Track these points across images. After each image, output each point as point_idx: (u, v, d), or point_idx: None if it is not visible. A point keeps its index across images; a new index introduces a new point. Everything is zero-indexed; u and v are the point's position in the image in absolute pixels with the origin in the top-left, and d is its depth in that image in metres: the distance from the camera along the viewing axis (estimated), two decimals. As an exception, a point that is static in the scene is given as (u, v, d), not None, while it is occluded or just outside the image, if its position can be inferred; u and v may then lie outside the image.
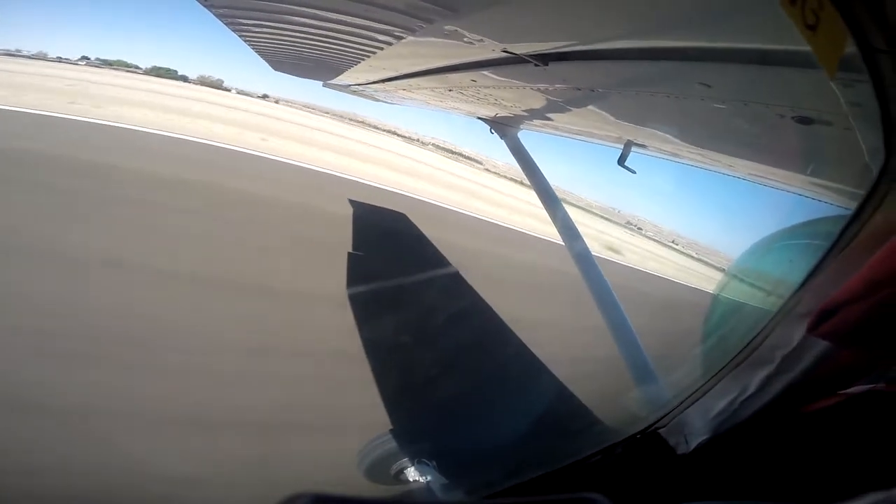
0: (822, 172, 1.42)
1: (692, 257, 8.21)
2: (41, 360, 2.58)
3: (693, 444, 1.48)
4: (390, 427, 2.52)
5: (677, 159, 2.67)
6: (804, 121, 1.16)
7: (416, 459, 2.09)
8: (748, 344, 1.33)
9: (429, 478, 1.98)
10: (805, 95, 1.11)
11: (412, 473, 2.06)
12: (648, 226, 9.22)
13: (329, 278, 4.57)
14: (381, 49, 2.54)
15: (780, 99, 1.16)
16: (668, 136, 2.15)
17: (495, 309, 4.55)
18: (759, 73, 1.08)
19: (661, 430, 1.56)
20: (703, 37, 1.09)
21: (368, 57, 2.92)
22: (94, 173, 5.05)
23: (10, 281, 3.14)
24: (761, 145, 1.63)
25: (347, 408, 2.90)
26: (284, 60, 4.62)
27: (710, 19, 1.02)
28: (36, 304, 3.06)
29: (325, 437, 2.69)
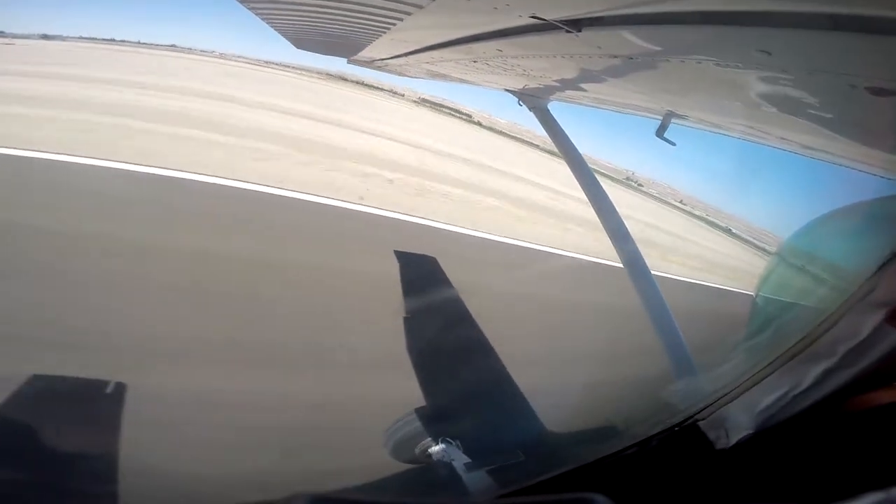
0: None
1: (744, 240, 7.83)
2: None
3: (734, 439, 1.41)
4: (417, 408, 2.54)
5: (722, 131, 2.49)
6: (879, 92, 1.02)
7: (442, 439, 2.11)
8: (806, 335, 1.23)
9: (453, 458, 2.00)
10: (881, 64, 0.97)
11: (437, 453, 2.08)
12: (701, 205, 8.80)
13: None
14: (403, 20, 2.44)
15: (851, 68, 1.02)
16: (714, 107, 1.99)
17: (526, 294, 4.47)
18: (828, 40, 0.95)
19: (700, 423, 1.49)
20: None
21: (389, 29, 2.82)
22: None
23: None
24: (826, 117, 1.48)
25: (375, 389, 2.95)
26: (306, 37, 4.55)
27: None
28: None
29: (352, 417, 2.75)
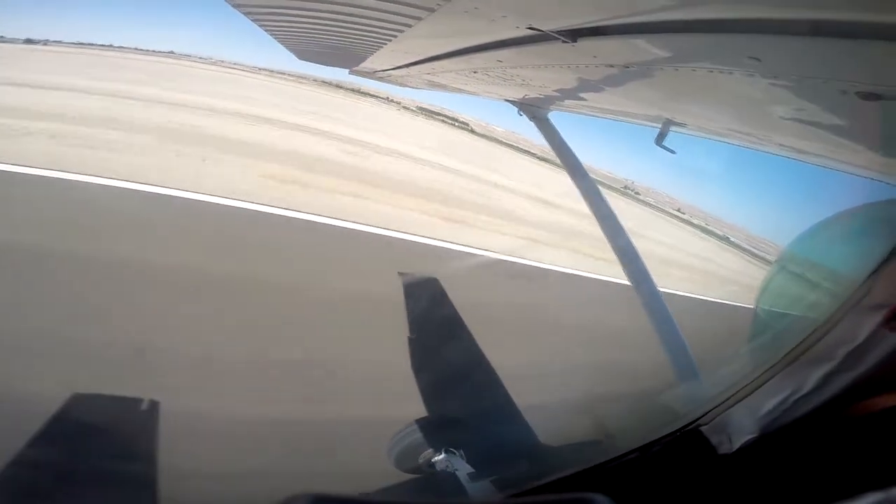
0: (890, 150, 1.29)
1: (742, 248, 7.81)
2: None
3: (737, 444, 1.40)
4: (421, 417, 2.53)
5: (719, 138, 2.51)
6: (870, 96, 1.03)
7: (445, 449, 2.10)
8: (806, 338, 1.24)
9: (457, 468, 1.99)
10: (871, 69, 0.99)
11: (440, 463, 2.08)
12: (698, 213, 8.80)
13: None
14: (402, 31, 2.49)
15: (841, 73, 1.04)
16: (710, 114, 2.01)
17: (527, 300, 4.46)
18: (816, 46, 0.97)
19: (702, 428, 1.49)
20: (753, 7, 0.98)
21: (391, 40, 2.86)
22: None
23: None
24: (818, 123, 1.49)
25: (379, 398, 2.95)
26: (308, 49, 4.61)
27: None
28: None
29: (355, 424, 2.75)
